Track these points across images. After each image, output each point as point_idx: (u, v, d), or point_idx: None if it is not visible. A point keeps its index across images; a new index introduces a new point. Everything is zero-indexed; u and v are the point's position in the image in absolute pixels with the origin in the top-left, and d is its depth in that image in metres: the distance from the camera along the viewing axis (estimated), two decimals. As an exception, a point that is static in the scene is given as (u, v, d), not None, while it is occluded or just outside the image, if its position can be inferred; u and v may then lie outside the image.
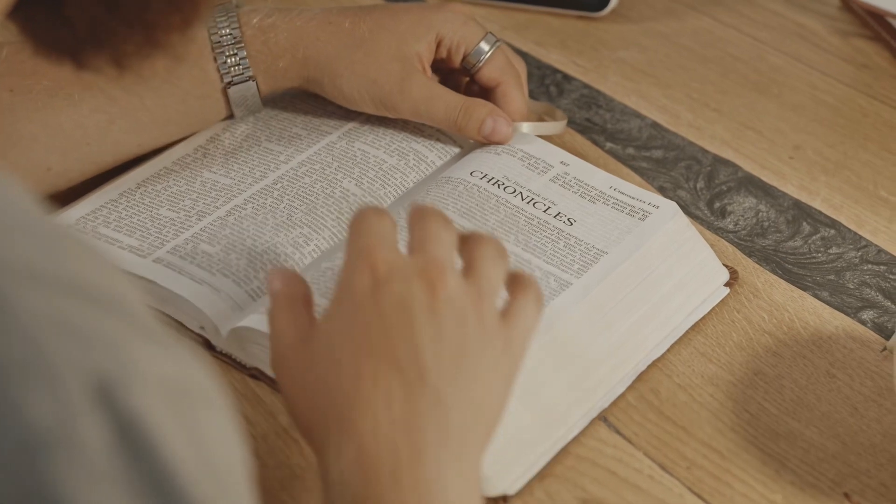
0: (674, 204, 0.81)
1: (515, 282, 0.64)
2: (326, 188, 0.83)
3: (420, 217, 0.64)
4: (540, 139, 0.87)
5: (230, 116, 0.88)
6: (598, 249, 0.78)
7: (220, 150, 0.87)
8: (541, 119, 0.91)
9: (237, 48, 0.84)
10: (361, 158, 0.86)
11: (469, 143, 0.88)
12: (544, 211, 0.81)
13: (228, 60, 0.84)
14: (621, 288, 0.76)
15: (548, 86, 1.00)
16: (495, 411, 0.62)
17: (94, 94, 0.82)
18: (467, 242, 0.64)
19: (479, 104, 0.85)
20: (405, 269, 0.61)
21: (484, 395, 0.61)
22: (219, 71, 0.85)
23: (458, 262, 0.64)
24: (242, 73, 0.85)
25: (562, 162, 0.84)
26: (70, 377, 0.34)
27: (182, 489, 0.36)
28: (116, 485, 0.34)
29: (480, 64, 0.87)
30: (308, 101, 0.92)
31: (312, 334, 0.62)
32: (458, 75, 0.91)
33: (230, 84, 0.85)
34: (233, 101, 0.86)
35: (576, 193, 0.82)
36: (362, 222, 0.63)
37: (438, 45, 0.87)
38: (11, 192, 0.38)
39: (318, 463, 0.60)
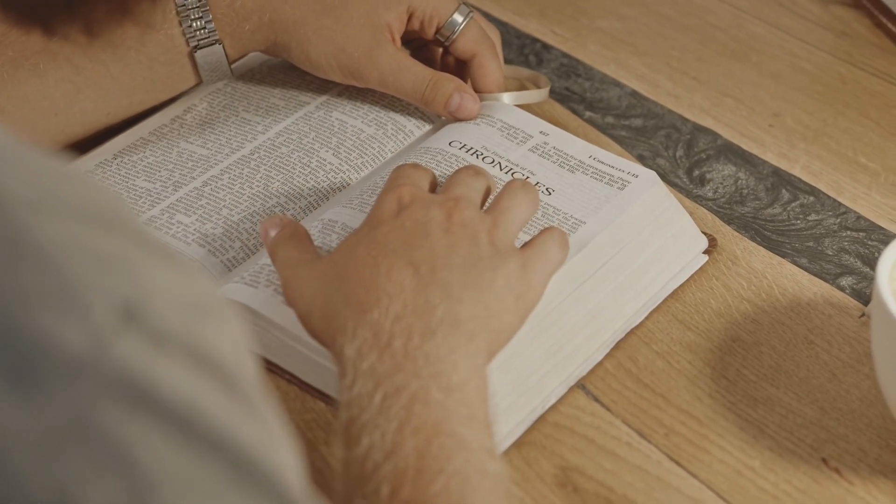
0: (653, 173, 0.80)
1: (544, 229, 0.71)
2: (303, 158, 0.83)
3: (456, 171, 0.73)
4: (519, 108, 0.86)
5: (200, 83, 0.87)
6: (576, 219, 0.77)
7: (197, 121, 0.87)
8: (524, 86, 0.91)
9: (202, 11, 0.83)
10: (339, 128, 0.86)
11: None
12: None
13: (194, 24, 0.83)
14: (600, 257, 0.76)
15: (527, 55, 0.99)
16: (505, 325, 0.65)
17: (59, 64, 0.81)
18: (501, 190, 0.72)
19: (448, 79, 0.85)
20: (427, 199, 0.67)
21: (492, 300, 0.64)
22: (184, 35, 0.84)
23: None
24: (208, 37, 0.84)
25: (541, 132, 0.84)
26: (97, 302, 0.35)
27: (210, 402, 0.36)
28: (151, 402, 0.34)
29: (455, 36, 0.87)
30: (285, 72, 0.91)
31: (331, 253, 0.66)
32: (431, 48, 0.91)
33: (196, 48, 0.84)
34: (200, 66, 0.85)
35: (555, 163, 0.82)
36: (400, 171, 0.71)
37: (410, 17, 0.86)
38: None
39: (332, 351, 0.63)
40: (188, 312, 0.37)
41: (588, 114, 0.93)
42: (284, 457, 0.39)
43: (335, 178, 0.82)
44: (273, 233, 0.70)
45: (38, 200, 0.36)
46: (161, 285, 0.37)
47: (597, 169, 0.81)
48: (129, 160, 0.83)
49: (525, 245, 0.69)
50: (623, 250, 0.77)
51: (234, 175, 0.82)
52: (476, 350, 0.62)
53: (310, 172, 0.82)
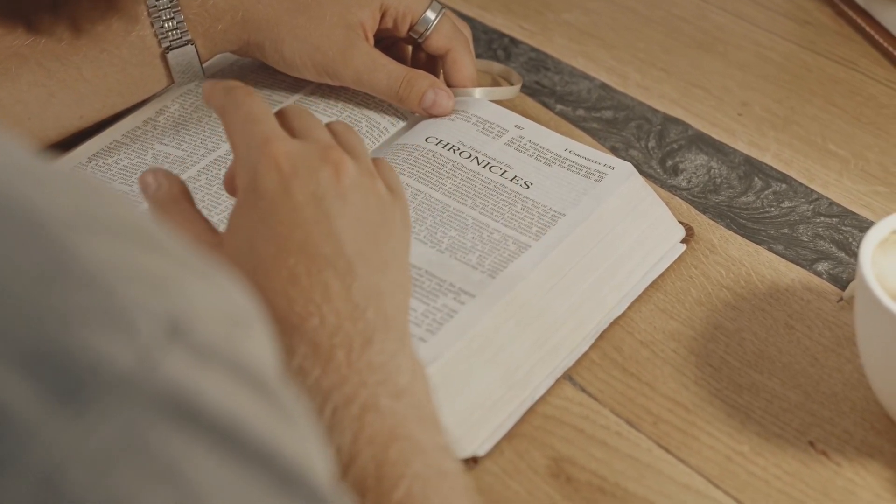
0: (629, 164, 0.81)
1: (376, 162, 0.66)
2: (280, 157, 0.83)
3: (291, 112, 0.65)
4: (493, 103, 0.87)
5: (171, 84, 0.87)
6: (555, 211, 0.78)
7: (171, 122, 0.86)
8: (496, 82, 0.91)
9: (174, 12, 0.83)
10: (314, 126, 0.85)
11: (416, 108, 0.88)
12: (500, 175, 0.81)
13: (166, 25, 0.83)
14: (580, 248, 0.76)
15: (495, 50, 1.00)
16: (408, 286, 0.63)
17: (31, 67, 0.81)
18: (329, 129, 0.66)
19: (422, 76, 0.85)
20: (307, 159, 0.61)
21: (401, 274, 0.62)
22: (156, 36, 0.83)
23: None
24: (180, 38, 0.83)
25: (516, 125, 0.85)
26: (143, 320, 0.35)
27: (253, 414, 0.37)
28: (198, 417, 0.35)
29: (428, 33, 0.87)
30: (256, 72, 0.91)
31: (221, 240, 0.61)
32: (402, 45, 0.91)
33: (168, 49, 0.84)
34: (172, 67, 0.85)
35: (531, 157, 0.82)
36: (239, 108, 0.63)
37: (384, 16, 0.86)
38: (20, 146, 0.38)
39: None
40: (227, 326, 0.37)
41: (559, 107, 0.93)
42: (319, 462, 0.39)
43: (313, 177, 0.82)
44: (151, 189, 0.63)
45: (77, 219, 0.36)
46: (201, 300, 0.37)
47: (573, 162, 0.82)
48: (104, 163, 0.83)
49: (386, 185, 0.64)
50: (603, 241, 0.77)
51: (212, 176, 0.81)
52: (410, 347, 0.61)
53: (287, 171, 0.82)
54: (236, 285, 0.39)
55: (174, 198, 0.64)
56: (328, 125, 0.66)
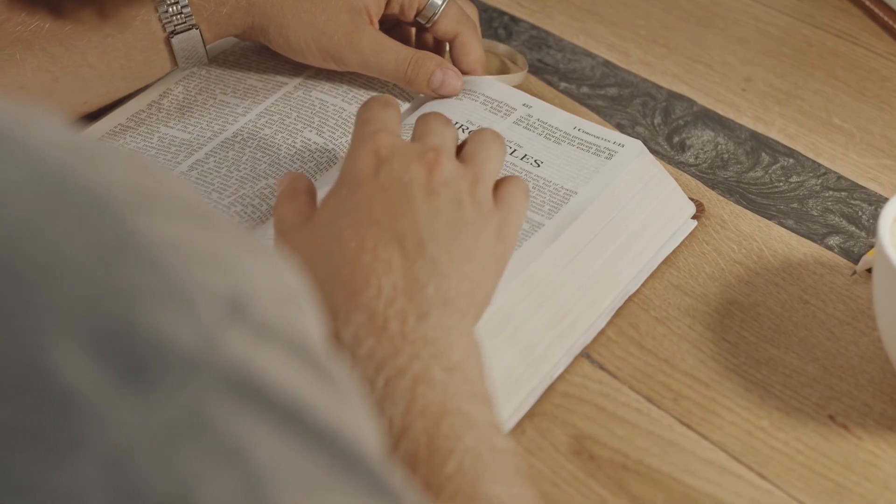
0: (639, 142, 0.81)
1: (506, 177, 0.68)
2: (288, 139, 0.82)
3: (423, 117, 0.69)
4: (500, 82, 0.86)
5: (175, 69, 0.86)
6: (567, 189, 0.78)
7: (175, 105, 0.86)
8: (504, 64, 0.91)
9: None
10: (320, 107, 0.85)
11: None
12: (511, 153, 0.80)
13: (170, 9, 0.82)
14: (592, 226, 0.76)
15: (496, 28, 0.99)
16: (488, 291, 0.64)
17: (35, 53, 0.80)
18: (469, 138, 0.69)
19: (429, 57, 0.85)
20: (406, 152, 0.64)
21: (477, 271, 0.62)
22: (160, 20, 0.83)
23: None
24: (185, 22, 0.83)
25: (524, 104, 0.84)
26: (204, 299, 0.34)
27: (311, 391, 0.37)
28: (260, 395, 0.34)
29: (436, 17, 0.86)
30: (259, 54, 0.90)
31: (314, 215, 0.64)
32: (405, 28, 0.91)
33: (173, 33, 0.83)
34: (177, 52, 0.84)
35: (540, 135, 0.82)
36: (368, 111, 0.67)
37: (389, 1, 0.86)
38: (71, 126, 0.38)
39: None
40: (283, 304, 0.37)
41: (563, 85, 0.93)
42: (371, 437, 0.39)
43: (321, 158, 0.82)
44: (280, 186, 0.68)
45: (138, 198, 0.36)
46: (258, 278, 0.37)
47: (582, 140, 0.81)
48: (110, 147, 0.82)
49: (497, 199, 0.66)
50: (615, 218, 0.77)
51: (220, 158, 0.81)
52: (468, 326, 0.61)
53: (296, 153, 0.81)
54: (285, 262, 0.39)
55: (294, 189, 0.67)
56: (471, 135, 0.69)
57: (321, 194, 0.75)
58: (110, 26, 0.81)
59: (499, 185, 0.67)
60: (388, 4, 0.86)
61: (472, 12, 0.90)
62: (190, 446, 0.32)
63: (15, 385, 0.31)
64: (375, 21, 0.85)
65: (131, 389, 0.32)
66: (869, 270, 0.77)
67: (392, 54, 0.84)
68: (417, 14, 0.86)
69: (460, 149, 0.68)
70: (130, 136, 0.83)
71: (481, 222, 0.63)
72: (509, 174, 0.72)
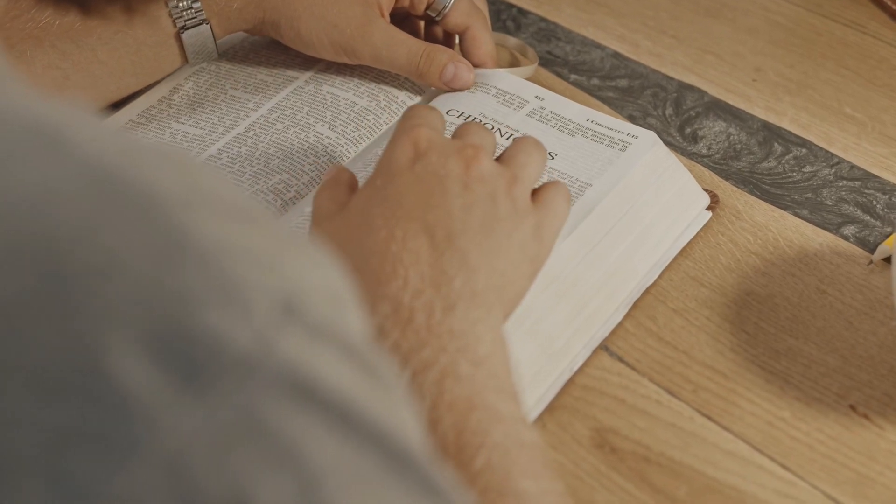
0: (653, 133, 0.81)
1: (547, 182, 0.68)
2: (300, 133, 0.82)
3: (465, 124, 0.69)
4: (512, 75, 0.86)
5: (184, 64, 0.85)
6: (582, 182, 0.78)
7: (186, 101, 0.85)
8: (514, 57, 0.91)
9: None
10: (332, 102, 0.85)
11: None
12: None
13: (180, 4, 0.82)
14: (608, 218, 0.76)
15: (504, 21, 0.99)
16: (519, 290, 0.64)
17: (45, 50, 0.80)
18: (509, 145, 0.69)
19: (441, 50, 0.84)
20: (444, 146, 0.64)
21: (508, 268, 0.62)
22: (171, 16, 0.82)
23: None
24: (195, 17, 0.82)
25: (536, 96, 0.84)
26: (258, 299, 0.34)
27: (362, 391, 0.36)
28: (314, 396, 0.34)
29: (446, 10, 0.86)
30: (268, 48, 0.90)
31: (349, 204, 0.64)
32: (414, 21, 0.90)
33: (183, 29, 0.83)
34: (187, 47, 0.84)
35: (553, 127, 0.82)
36: (412, 110, 0.68)
37: None
38: (116, 126, 0.38)
39: None
40: (332, 302, 0.37)
41: (573, 76, 0.93)
42: (418, 434, 0.39)
43: (334, 152, 0.81)
44: (324, 177, 0.69)
45: (187, 198, 0.35)
46: (308, 277, 0.36)
47: (596, 132, 0.81)
48: (122, 144, 0.82)
49: (536, 201, 0.67)
50: (630, 210, 0.77)
51: (233, 154, 0.81)
52: (495, 320, 0.61)
53: (308, 148, 0.81)
54: (331, 259, 0.39)
55: (334, 180, 0.68)
56: (513, 141, 0.69)
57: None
58: (120, 22, 0.81)
59: (540, 189, 0.67)
60: (398, -2, 0.85)
61: (483, 5, 0.89)
62: (245, 449, 0.32)
63: (71, 389, 0.31)
64: (387, 14, 0.85)
65: (187, 392, 0.32)
66: (885, 260, 0.77)
67: (404, 47, 0.83)
68: (427, 7, 0.86)
69: (500, 156, 0.68)
70: (142, 133, 0.83)
71: (516, 220, 0.63)
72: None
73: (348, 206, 0.64)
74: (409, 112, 0.68)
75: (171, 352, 0.32)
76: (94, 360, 0.31)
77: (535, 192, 0.67)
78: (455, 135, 0.68)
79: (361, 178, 0.75)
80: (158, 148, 0.37)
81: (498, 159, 0.67)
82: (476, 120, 0.81)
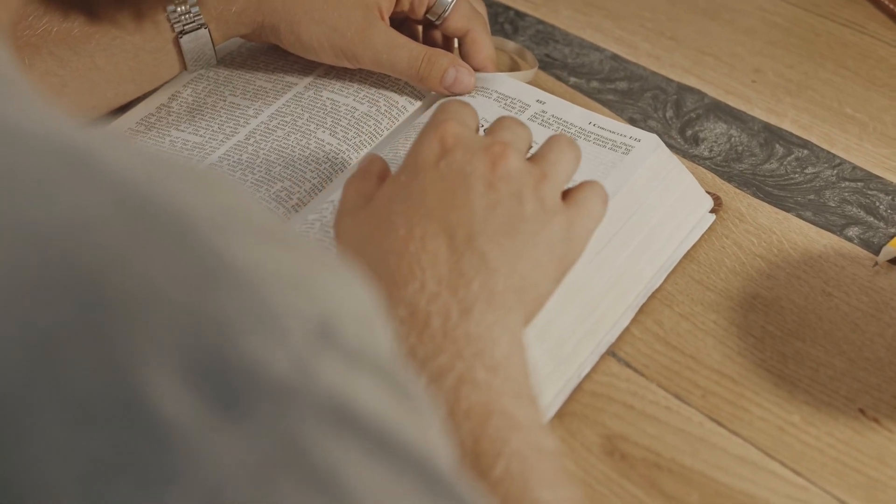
0: (655, 136, 0.80)
1: (582, 182, 0.67)
2: (301, 140, 0.82)
3: (500, 118, 0.68)
4: (512, 79, 0.86)
5: (182, 71, 0.85)
6: (586, 185, 0.77)
7: (185, 108, 0.85)
8: (514, 61, 0.90)
9: None
10: (332, 107, 0.84)
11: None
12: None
13: (178, 8, 0.81)
14: (614, 222, 0.76)
15: (502, 24, 0.99)
16: (542, 293, 0.62)
17: (43, 57, 0.79)
18: (544, 142, 0.67)
19: (442, 54, 0.84)
20: (472, 143, 0.63)
21: (531, 270, 0.61)
22: (169, 20, 0.82)
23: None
24: (194, 21, 0.82)
25: (538, 100, 0.84)
26: (294, 323, 0.34)
27: (398, 415, 0.36)
28: (352, 421, 0.34)
29: (446, 14, 0.86)
30: (266, 54, 0.89)
31: (373, 198, 0.63)
32: (412, 24, 0.90)
33: (182, 33, 0.82)
34: (185, 52, 0.83)
35: (556, 131, 0.81)
36: (445, 104, 0.67)
37: None
38: (145, 145, 0.37)
39: None
40: (365, 324, 0.36)
41: (573, 79, 0.93)
42: (448, 454, 0.38)
43: (336, 159, 0.81)
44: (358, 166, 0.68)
45: (221, 221, 0.35)
46: (342, 299, 0.36)
47: (598, 135, 0.81)
48: (121, 152, 0.81)
49: (568, 200, 0.65)
50: (635, 214, 0.77)
51: (234, 161, 0.80)
52: (514, 323, 0.60)
53: (310, 154, 0.81)
54: (361, 278, 0.38)
55: (365, 170, 0.67)
56: (547, 139, 0.68)
57: (337, 196, 0.74)
58: (119, 27, 0.80)
59: (574, 188, 0.66)
60: (398, 1, 0.85)
61: (482, 9, 0.89)
62: (285, 477, 0.32)
63: (110, 419, 0.30)
64: (386, 17, 0.85)
65: (226, 420, 0.31)
66: (890, 261, 0.77)
67: (405, 51, 0.83)
68: (427, 11, 0.86)
69: (532, 156, 0.66)
70: (142, 141, 0.82)
71: (542, 220, 0.62)
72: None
73: (372, 201, 0.63)
74: (442, 106, 0.66)
75: (210, 379, 0.31)
76: (132, 389, 0.31)
77: (568, 191, 0.66)
78: (489, 130, 0.67)
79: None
80: (188, 167, 0.37)
81: (530, 158, 0.66)
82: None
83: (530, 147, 0.67)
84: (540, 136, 0.80)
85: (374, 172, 0.66)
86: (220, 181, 0.37)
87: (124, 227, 0.33)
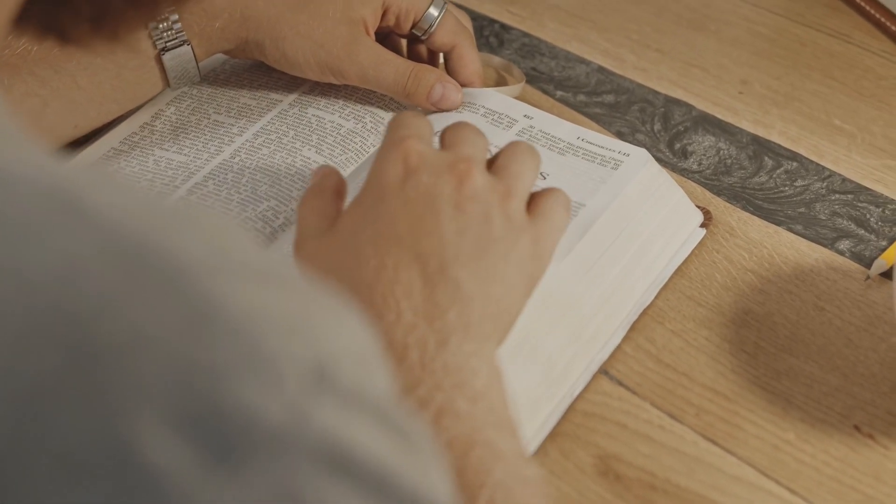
0: (644, 151, 0.80)
1: (544, 190, 0.65)
2: (287, 158, 0.81)
3: (454, 126, 0.66)
4: (500, 94, 0.85)
5: (165, 88, 0.84)
6: (575, 202, 0.76)
7: (168, 127, 0.84)
8: (500, 76, 0.90)
9: (168, 11, 0.80)
10: (317, 125, 0.83)
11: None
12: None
13: (160, 25, 0.80)
14: (605, 238, 0.75)
15: (487, 37, 0.98)
16: (513, 311, 0.61)
17: (23, 77, 0.78)
18: (501, 150, 0.66)
19: (428, 70, 0.83)
20: (435, 162, 0.61)
21: (504, 293, 0.60)
22: (151, 37, 0.81)
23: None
24: (176, 38, 0.81)
25: (525, 115, 0.83)
26: (289, 368, 0.33)
27: (395, 456, 0.35)
28: (349, 466, 0.33)
29: (432, 30, 0.85)
30: (250, 71, 0.89)
31: (337, 221, 0.62)
32: (396, 39, 0.89)
33: (164, 50, 0.81)
34: (168, 70, 0.82)
35: (544, 147, 0.81)
36: (399, 118, 0.65)
37: (385, 13, 0.84)
38: (136, 186, 0.36)
39: None
40: (361, 365, 0.36)
41: (559, 93, 0.92)
42: (448, 491, 0.38)
43: (322, 177, 0.80)
44: (313, 180, 0.66)
45: (213, 263, 0.34)
46: (338, 341, 0.35)
47: (587, 150, 0.80)
48: (105, 173, 0.80)
49: (532, 212, 0.64)
50: (625, 230, 0.76)
51: (220, 181, 0.79)
52: (491, 351, 0.59)
53: (296, 172, 0.80)
54: (357, 316, 0.37)
55: (321, 188, 0.65)
56: (503, 147, 0.66)
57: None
58: (100, 46, 0.79)
59: (536, 197, 0.64)
60: (383, 16, 0.84)
61: (468, 23, 0.88)
62: None
63: (100, 471, 0.29)
64: (372, 32, 0.84)
65: (220, 470, 0.30)
66: (883, 275, 0.76)
67: (391, 67, 0.82)
68: (413, 26, 0.85)
69: (492, 162, 0.65)
70: (125, 160, 0.81)
71: (511, 239, 0.61)
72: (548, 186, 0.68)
73: (336, 226, 0.61)
74: (397, 121, 0.64)
75: (203, 429, 0.30)
76: (124, 440, 0.30)
77: (531, 201, 0.65)
78: (444, 141, 0.65)
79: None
80: (180, 209, 0.36)
81: (490, 167, 0.64)
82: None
83: (487, 153, 0.66)
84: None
85: (330, 188, 0.64)
86: (211, 220, 0.36)
87: (114, 272, 0.32)
